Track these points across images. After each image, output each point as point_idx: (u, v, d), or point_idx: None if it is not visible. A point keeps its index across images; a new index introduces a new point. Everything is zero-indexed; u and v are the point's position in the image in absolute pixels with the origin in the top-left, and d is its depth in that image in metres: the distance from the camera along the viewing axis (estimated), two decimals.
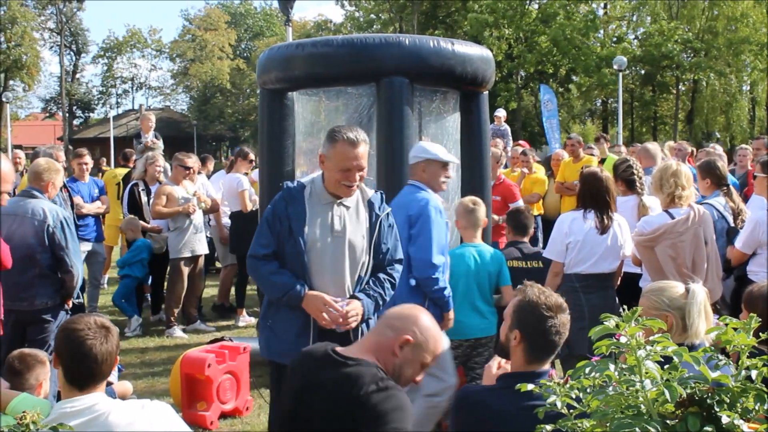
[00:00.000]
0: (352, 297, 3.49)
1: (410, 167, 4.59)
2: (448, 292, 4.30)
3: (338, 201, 3.51)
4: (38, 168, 5.34)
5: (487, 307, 4.82)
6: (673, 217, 4.75)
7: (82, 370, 2.32)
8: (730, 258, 5.26)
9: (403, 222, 4.30)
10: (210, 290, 9.80)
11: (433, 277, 4.23)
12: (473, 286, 4.74)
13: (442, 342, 2.60)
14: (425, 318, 2.59)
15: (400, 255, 3.70)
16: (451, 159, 4.59)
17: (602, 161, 9.27)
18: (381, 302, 3.56)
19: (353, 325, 3.44)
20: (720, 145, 10.88)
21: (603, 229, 4.74)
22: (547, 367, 2.64)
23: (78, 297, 5.35)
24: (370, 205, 3.58)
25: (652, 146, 7.53)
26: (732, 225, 5.45)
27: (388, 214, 3.64)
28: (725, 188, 5.63)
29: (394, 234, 3.66)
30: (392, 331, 2.54)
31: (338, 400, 2.40)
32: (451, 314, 4.39)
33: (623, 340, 1.45)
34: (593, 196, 4.80)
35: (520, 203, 8.06)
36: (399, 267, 3.68)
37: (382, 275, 3.58)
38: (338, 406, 2.40)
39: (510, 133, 13.73)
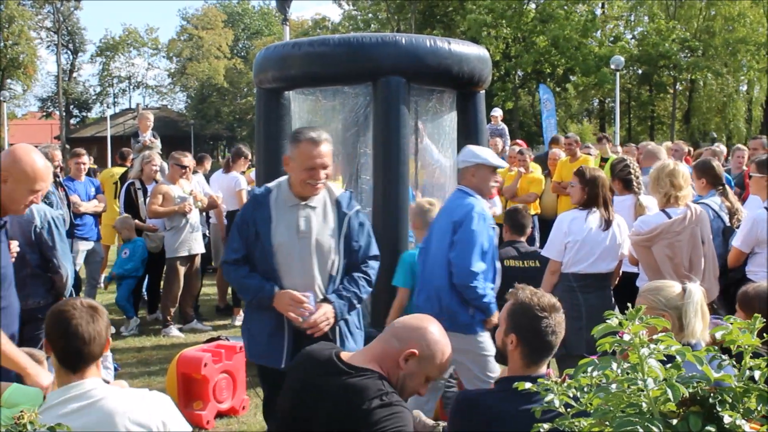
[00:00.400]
0: (324, 300, 3.49)
1: (459, 172, 4.53)
2: (488, 299, 4.26)
3: (304, 203, 3.53)
4: None
5: None
6: (670, 217, 4.75)
7: (70, 350, 2.29)
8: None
9: (447, 227, 4.29)
10: (207, 289, 9.78)
11: (471, 285, 4.20)
12: None
13: (449, 355, 2.54)
14: (434, 331, 2.52)
15: (374, 252, 3.68)
16: (501, 163, 4.57)
17: (605, 161, 9.25)
18: (356, 301, 3.56)
19: (325, 329, 3.45)
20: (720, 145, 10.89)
21: (607, 224, 4.73)
22: (543, 369, 2.63)
23: (72, 296, 5.32)
24: (337, 204, 3.59)
25: (654, 146, 7.53)
26: (728, 224, 5.44)
27: (357, 212, 3.64)
28: (721, 188, 5.62)
29: (366, 232, 3.66)
30: (398, 341, 2.49)
31: (341, 410, 2.38)
32: (494, 319, 4.28)
33: (626, 338, 1.44)
34: (596, 196, 4.79)
35: (496, 201, 8.06)
36: (374, 264, 3.67)
37: (356, 274, 3.58)
38: (340, 416, 2.38)
39: (507, 132, 13.72)
